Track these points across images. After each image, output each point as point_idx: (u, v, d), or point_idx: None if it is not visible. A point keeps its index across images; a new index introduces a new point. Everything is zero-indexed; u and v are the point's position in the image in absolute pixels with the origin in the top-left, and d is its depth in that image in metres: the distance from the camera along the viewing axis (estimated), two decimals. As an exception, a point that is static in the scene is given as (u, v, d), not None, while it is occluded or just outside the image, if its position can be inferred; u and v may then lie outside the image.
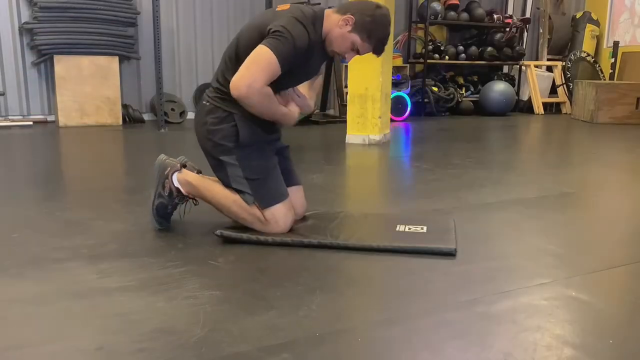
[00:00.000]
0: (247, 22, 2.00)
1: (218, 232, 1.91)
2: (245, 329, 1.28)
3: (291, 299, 1.45)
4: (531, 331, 1.30)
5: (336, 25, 1.87)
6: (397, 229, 2.02)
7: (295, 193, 2.08)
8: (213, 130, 1.92)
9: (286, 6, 1.89)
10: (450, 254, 1.80)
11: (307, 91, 2.11)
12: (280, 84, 1.87)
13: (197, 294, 1.47)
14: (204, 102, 1.97)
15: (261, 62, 1.75)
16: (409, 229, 2.04)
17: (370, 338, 1.26)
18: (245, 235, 1.90)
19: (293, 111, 1.94)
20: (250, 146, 1.93)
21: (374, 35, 1.87)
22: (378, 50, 1.91)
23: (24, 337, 1.23)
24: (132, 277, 1.59)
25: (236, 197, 1.95)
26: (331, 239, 1.88)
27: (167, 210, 2.02)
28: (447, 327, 1.31)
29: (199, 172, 2.07)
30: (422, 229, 2.04)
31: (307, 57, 1.87)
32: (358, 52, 1.90)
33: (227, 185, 1.96)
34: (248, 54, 1.80)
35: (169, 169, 1.99)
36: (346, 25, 1.85)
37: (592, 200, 2.72)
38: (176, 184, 1.98)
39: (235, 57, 1.89)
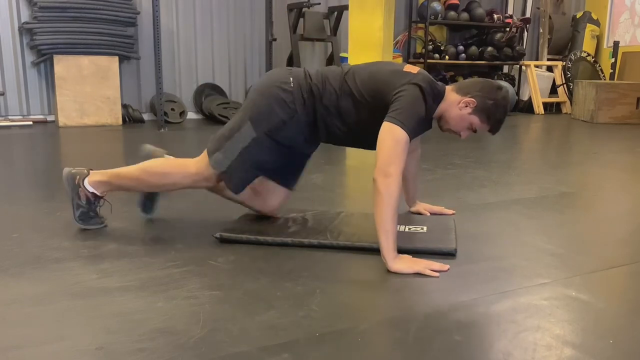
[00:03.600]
0: (366, 64, 1.95)
1: (217, 234, 1.90)
2: (245, 329, 1.28)
3: (291, 299, 1.45)
4: (531, 331, 1.30)
5: (455, 105, 1.84)
6: (397, 229, 2.02)
7: (279, 194, 2.08)
8: (280, 94, 1.84)
9: (415, 69, 1.86)
10: (450, 254, 1.80)
11: (413, 178, 2.23)
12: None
13: (197, 294, 1.47)
14: (293, 81, 1.88)
15: (400, 146, 1.69)
16: (409, 229, 2.04)
17: (370, 338, 1.26)
18: (245, 236, 1.90)
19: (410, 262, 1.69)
20: (279, 144, 1.90)
21: (493, 118, 1.84)
22: (495, 130, 1.88)
23: (24, 337, 1.23)
24: (132, 277, 1.59)
25: (161, 162, 1.94)
26: (331, 239, 1.88)
27: (92, 215, 2.01)
28: (447, 327, 1.31)
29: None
30: (422, 229, 2.04)
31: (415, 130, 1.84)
32: (474, 132, 1.88)
33: (219, 133, 1.92)
34: (366, 99, 1.81)
35: (77, 177, 1.97)
36: (466, 107, 1.83)
37: (592, 200, 2.72)
38: (90, 189, 1.97)
39: (349, 97, 1.86)
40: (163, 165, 1.96)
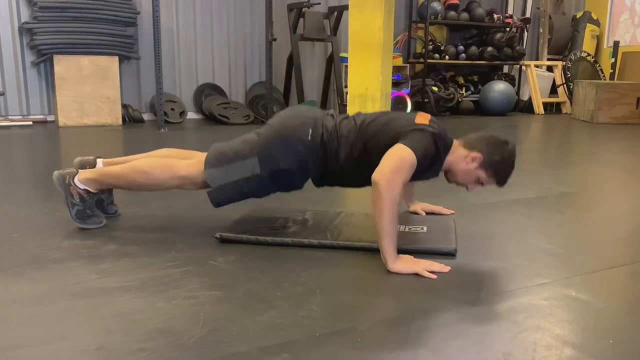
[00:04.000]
0: (380, 113, 1.96)
1: (217, 234, 1.91)
2: (245, 329, 1.28)
3: (291, 299, 1.45)
4: (531, 331, 1.30)
5: (462, 160, 1.85)
6: (397, 229, 2.02)
7: None
8: (296, 145, 1.88)
9: (426, 119, 1.87)
10: (450, 254, 1.80)
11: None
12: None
13: (197, 294, 1.47)
14: (312, 134, 1.89)
15: (404, 167, 1.71)
16: (409, 229, 2.04)
17: (370, 338, 1.26)
18: (245, 237, 1.90)
19: (410, 261, 1.70)
20: (278, 184, 1.93)
21: (500, 173, 1.85)
22: (502, 184, 1.89)
23: (24, 337, 1.23)
24: (132, 277, 1.59)
25: (151, 162, 1.96)
26: (331, 239, 1.88)
27: (88, 213, 2.02)
28: (447, 327, 1.31)
29: (97, 158, 2.11)
30: (422, 229, 2.04)
31: (420, 174, 1.84)
32: (481, 185, 1.89)
33: (223, 149, 1.93)
34: (377, 150, 1.79)
35: (67, 176, 1.98)
36: (473, 162, 1.84)
37: (592, 200, 2.72)
38: (81, 186, 1.98)
39: (363, 147, 1.87)
40: (152, 165, 1.96)
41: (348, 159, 1.89)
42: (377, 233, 1.67)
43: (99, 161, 2.13)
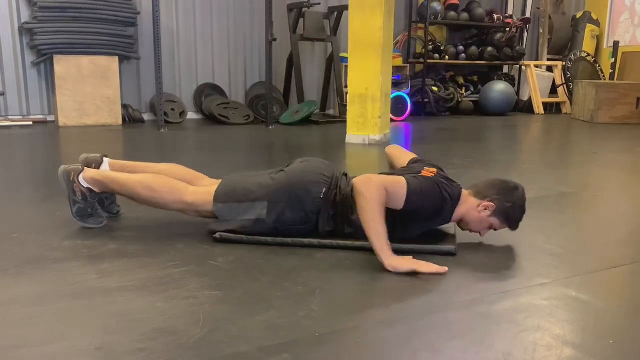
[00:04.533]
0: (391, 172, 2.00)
1: (217, 234, 1.91)
2: (245, 329, 1.28)
3: (291, 299, 1.45)
4: (531, 331, 1.30)
5: (474, 209, 1.86)
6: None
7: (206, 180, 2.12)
8: (307, 202, 1.88)
9: (433, 172, 1.89)
10: (450, 254, 1.80)
11: None
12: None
13: (197, 294, 1.47)
14: (325, 192, 1.90)
15: (392, 179, 1.76)
16: (409, 229, 2.03)
17: (370, 338, 1.26)
18: (245, 237, 1.90)
19: (401, 261, 1.68)
20: (279, 231, 1.91)
21: (512, 219, 1.87)
22: (515, 228, 1.91)
23: (23, 337, 1.23)
24: (132, 277, 1.59)
25: (160, 181, 1.96)
26: (331, 239, 1.88)
27: (89, 212, 2.02)
28: (447, 327, 1.31)
29: (104, 156, 2.11)
30: (422, 229, 2.04)
31: (427, 219, 1.86)
32: (494, 229, 1.91)
33: (234, 187, 1.94)
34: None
35: (72, 174, 1.98)
36: (486, 210, 1.85)
37: (592, 200, 2.72)
38: (85, 184, 1.99)
39: None
40: (161, 185, 1.96)
41: (358, 220, 1.85)
42: (367, 233, 1.69)
43: (106, 161, 2.12)
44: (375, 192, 1.68)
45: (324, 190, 1.90)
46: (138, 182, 1.96)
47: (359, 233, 1.81)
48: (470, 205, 1.88)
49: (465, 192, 1.92)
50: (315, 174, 1.93)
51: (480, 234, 1.92)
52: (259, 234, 1.91)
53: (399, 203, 1.75)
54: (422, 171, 1.89)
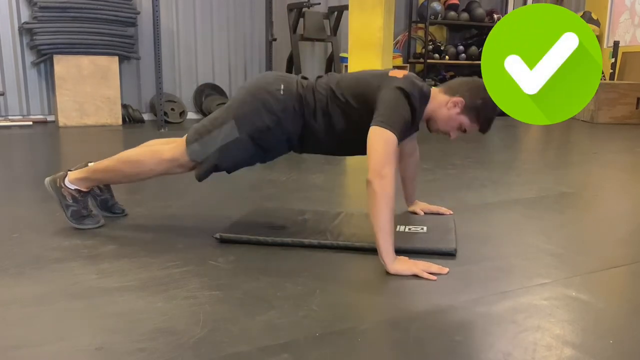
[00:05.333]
0: (353, 72, 1.96)
1: (217, 234, 1.90)
2: (245, 329, 1.28)
3: (291, 299, 1.45)
4: (531, 331, 1.30)
5: (444, 106, 1.84)
6: (397, 229, 2.02)
7: None
8: (269, 100, 1.85)
9: (400, 73, 1.85)
10: (450, 254, 1.80)
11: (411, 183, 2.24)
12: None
13: (197, 294, 1.47)
14: (284, 88, 1.88)
15: (390, 148, 1.69)
16: (409, 229, 2.04)
17: (370, 338, 1.26)
18: (245, 236, 1.90)
19: (406, 262, 1.66)
20: (259, 147, 1.90)
21: (483, 117, 1.84)
22: (485, 129, 1.88)
23: (24, 337, 1.23)
24: (132, 277, 1.59)
25: (135, 151, 1.96)
26: (331, 239, 1.88)
27: (84, 214, 2.03)
28: (447, 327, 1.31)
29: (87, 163, 2.10)
30: (422, 229, 2.04)
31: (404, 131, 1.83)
32: (464, 132, 1.88)
33: (196, 128, 1.92)
34: (353, 105, 1.82)
35: (57, 180, 2.00)
36: (455, 107, 1.82)
37: (592, 200, 2.72)
38: (72, 186, 1.99)
39: (337, 105, 1.87)
40: (137, 154, 1.97)
41: (324, 114, 1.87)
42: (375, 233, 1.66)
43: (90, 165, 2.13)
44: (390, 191, 1.65)
45: (282, 86, 1.88)
46: (117, 160, 1.97)
47: (329, 141, 1.87)
48: (439, 102, 1.85)
49: (435, 90, 1.88)
50: (270, 77, 1.94)
51: (449, 136, 1.89)
52: (245, 160, 1.90)
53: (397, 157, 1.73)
54: (390, 71, 1.85)
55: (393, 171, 1.68)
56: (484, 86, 1.84)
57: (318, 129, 1.91)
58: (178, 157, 1.93)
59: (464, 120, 1.84)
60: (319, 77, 1.97)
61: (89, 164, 2.13)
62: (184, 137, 1.95)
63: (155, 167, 1.95)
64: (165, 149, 1.96)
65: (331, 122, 1.89)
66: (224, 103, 6.12)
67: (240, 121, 1.87)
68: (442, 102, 1.85)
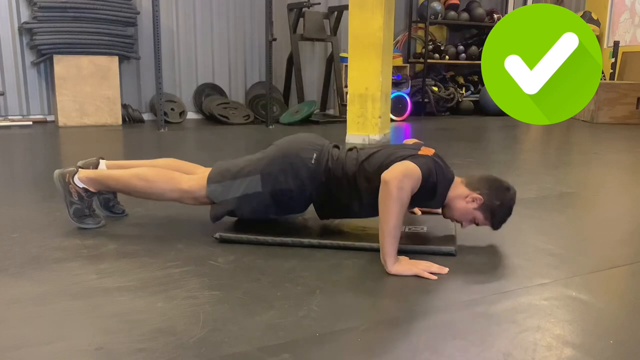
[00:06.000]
0: (382, 148, 1.96)
1: (217, 234, 1.91)
2: (245, 329, 1.28)
3: (291, 299, 1.45)
4: (531, 331, 1.30)
5: (462, 198, 1.85)
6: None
7: (197, 170, 2.11)
8: (299, 167, 1.88)
9: (431, 151, 1.87)
10: (450, 254, 1.80)
11: None
12: None
13: (197, 294, 1.47)
14: (315, 159, 1.90)
15: (413, 174, 1.70)
16: (409, 229, 2.04)
17: (370, 338, 1.26)
18: (245, 236, 1.90)
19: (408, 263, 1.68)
20: (278, 205, 1.92)
21: (497, 218, 1.86)
22: (496, 228, 1.89)
23: (24, 337, 1.23)
24: (131, 277, 1.59)
25: (154, 172, 1.97)
26: (331, 239, 1.88)
27: (86, 213, 2.03)
28: (447, 327, 1.31)
29: (100, 159, 2.11)
30: (422, 229, 2.04)
31: (418, 198, 1.81)
32: (476, 224, 1.89)
33: (226, 166, 1.94)
34: (379, 181, 1.76)
35: (67, 175, 1.99)
36: (473, 202, 1.83)
37: (592, 200, 2.72)
38: (80, 185, 1.99)
39: (365, 178, 1.86)
40: (155, 175, 1.97)
41: (351, 188, 1.88)
42: (381, 233, 1.66)
43: (102, 162, 2.13)
44: (406, 197, 1.65)
45: (314, 155, 1.90)
46: (133, 175, 1.97)
47: (352, 208, 1.86)
48: (459, 193, 1.86)
49: (457, 179, 1.90)
50: (305, 142, 1.95)
51: (461, 225, 1.90)
52: (259, 213, 1.92)
53: (415, 191, 1.73)
54: (420, 149, 1.87)
55: (410, 187, 1.67)
56: (505, 187, 1.86)
57: (343, 200, 1.91)
58: (195, 190, 1.94)
59: (479, 216, 1.86)
60: (349, 150, 1.97)
61: (101, 160, 2.13)
62: (206, 173, 1.95)
63: (167, 192, 1.96)
64: (185, 178, 1.97)
65: (357, 198, 1.88)
66: (225, 103, 6.16)
67: (265, 178, 1.89)
68: (461, 194, 1.86)
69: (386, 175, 1.66)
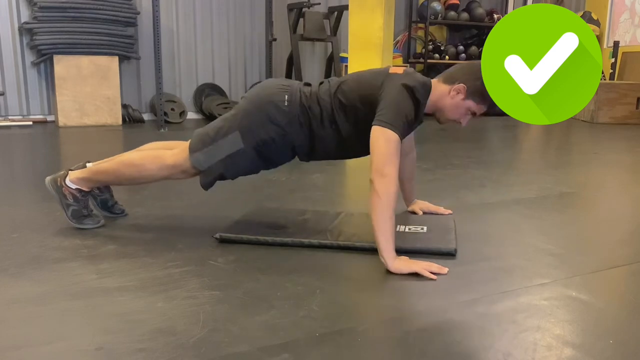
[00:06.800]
0: (353, 73, 1.95)
1: (217, 234, 1.90)
2: (245, 329, 1.28)
3: (291, 299, 1.45)
4: (531, 331, 1.30)
5: (447, 95, 1.84)
6: (397, 229, 2.02)
7: None
8: (274, 113, 1.85)
9: (400, 69, 1.86)
10: (450, 254, 1.80)
11: (410, 180, 2.25)
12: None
13: (197, 294, 1.47)
14: (288, 100, 1.87)
15: (393, 147, 1.69)
16: (409, 229, 2.04)
17: (370, 338, 1.26)
18: (245, 236, 1.90)
19: (406, 262, 1.67)
20: (264, 157, 1.91)
21: (488, 96, 1.83)
22: (494, 106, 1.86)
23: (24, 337, 1.23)
24: (131, 277, 1.59)
25: (138, 155, 1.96)
26: (331, 239, 1.88)
27: (84, 213, 2.03)
28: (447, 327, 1.31)
29: (86, 162, 2.11)
30: (422, 229, 2.04)
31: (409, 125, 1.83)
32: (474, 114, 1.87)
33: (205, 131, 1.92)
34: (357, 105, 1.82)
35: (58, 179, 2.00)
36: (458, 94, 1.82)
37: (592, 200, 2.72)
38: (73, 186, 2.00)
39: (341, 108, 1.86)
40: (140, 158, 1.97)
41: (332, 124, 1.87)
42: (375, 232, 1.66)
43: (89, 165, 2.13)
44: (392, 191, 1.66)
45: (286, 97, 1.88)
46: (120, 163, 1.97)
47: (334, 145, 1.88)
48: (441, 92, 1.85)
49: (434, 81, 1.88)
50: (273, 87, 1.93)
51: (461, 123, 1.88)
52: (248, 169, 1.91)
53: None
54: (390, 68, 1.86)
55: (395, 170, 1.68)
56: (480, 64, 1.83)
57: (325, 137, 1.91)
58: (181, 163, 1.93)
59: (471, 104, 1.84)
60: (321, 83, 1.96)
61: (88, 164, 2.13)
62: (187, 143, 1.94)
63: (157, 172, 1.95)
64: (168, 154, 1.96)
65: (338, 128, 1.89)
66: (225, 103, 6.16)
67: (244, 133, 1.87)
68: (444, 92, 1.85)
69: (371, 174, 1.68)
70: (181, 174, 1.96)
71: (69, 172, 2.03)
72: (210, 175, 1.92)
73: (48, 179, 2.03)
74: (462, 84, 1.82)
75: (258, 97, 1.91)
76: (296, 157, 2.01)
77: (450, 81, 1.85)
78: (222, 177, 1.93)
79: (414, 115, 1.81)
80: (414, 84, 1.79)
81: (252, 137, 1.87)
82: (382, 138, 1.70)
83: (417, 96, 1.79)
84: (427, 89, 1.85)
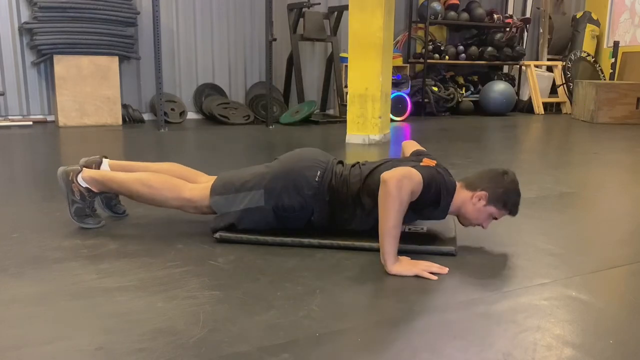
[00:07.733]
0: (385, 161, 1.96)
1: (217, 234, 1.91)
2: (245, 329, 1.28)
3: (291, 299, 1.45)
4: (531, 331, 1.30)
5: (469, 202, 1.85)
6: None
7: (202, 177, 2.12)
8: (303, 185, 1.87)
9: (432, 162, 1.88)
10: (450, 254, 1.80)
11: None
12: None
13: (197, 294, 1.47)
14: (319, 177, 1.90)
15: (413, 177, 1.70)
16: (409, 229, 2.04)
17: (370, 338, 1.26)
18: (245, 236, 1.90)
19: (409, 263, 1.68)
20: (280, 219, 1.91)
21: (509, 203, 1.85)
22: (514, 213, 1.89)
23: (24, 337, 1.23)
24: (131, 277, 1.59)
25: (158, 179, 1.97)
26: (331, 239, 1.88)
27: (87, 212, 2.03)
28: (447, 327, 1.31)
29: (103, 157, 2.11)
30: (422, 229, 2.04)
31: (422, 209, 1.83)
32: (495, 218, 1.89)
33: (231, 179, 1.94)
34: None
35: (71, 174, 1.99)
36: (480, 200, 1.84)
37: (592, 200, 2.72)
38: (83, 184, 2.00)
39: (369, 193, 1.85)
40: (159, 182, 1.97)
41: (355, 206, 1.88)
42: (380, 233, 1.66)
43: (105, 161, 2.13)
44: (405, 197, 1.65)
45: (319, 173, 1.90)
46: (137, 180, 1.97)
47: (355, 222, 1.85)
48: (464, 198, 1.86)
49: (457, 185, 1.90)
50: (310, 159, 1.94)
51: (482, 227, 1.90)
52: (260, 226, 1.91)
53: (415, 197, 1.73)
54: (422, 161, 1.88)
55: (410, 188, 1.66)
56: (501, 173, 1.87)
57: (347, 216, 1.91)
58: (197, 200, 1.94)
59: (493, 210, 1.85)
60: (353, 166, 1.97)
61: (104, 159, 2.13)
62: (209, 183, 1.96)
63: (171, 200, 1.97)
64: (188, 187, 1.97)
65: (361, 213, 1.88)
66: (224, 103, 6.15)
67: (269, 193, 1.89)
68: (466, 198, 1.86)
69: (385, 175, 1.66)
70: (193, 209, 1.98)
71: (84, 169, 2.02)
72: (223, 221, 1.92)
73: (61, 169, 2.01)
74: (484, 192, 1.84)
75: (292, 165, 1.93)
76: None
77: (472, 188, 1.87)
78: (232, 227, 1.93)
79: (436, 196, 1.79)
80: (444, 173, 1.84)
81: (275, 199, 1.88)
82: (408, 168, 1.71)
83: (443, 180, 1.80)
84: (453, 187, 1.87)
